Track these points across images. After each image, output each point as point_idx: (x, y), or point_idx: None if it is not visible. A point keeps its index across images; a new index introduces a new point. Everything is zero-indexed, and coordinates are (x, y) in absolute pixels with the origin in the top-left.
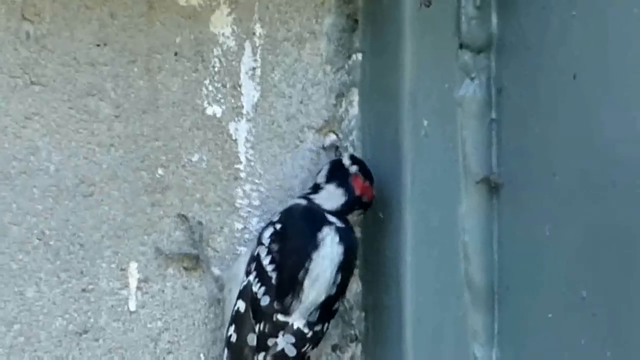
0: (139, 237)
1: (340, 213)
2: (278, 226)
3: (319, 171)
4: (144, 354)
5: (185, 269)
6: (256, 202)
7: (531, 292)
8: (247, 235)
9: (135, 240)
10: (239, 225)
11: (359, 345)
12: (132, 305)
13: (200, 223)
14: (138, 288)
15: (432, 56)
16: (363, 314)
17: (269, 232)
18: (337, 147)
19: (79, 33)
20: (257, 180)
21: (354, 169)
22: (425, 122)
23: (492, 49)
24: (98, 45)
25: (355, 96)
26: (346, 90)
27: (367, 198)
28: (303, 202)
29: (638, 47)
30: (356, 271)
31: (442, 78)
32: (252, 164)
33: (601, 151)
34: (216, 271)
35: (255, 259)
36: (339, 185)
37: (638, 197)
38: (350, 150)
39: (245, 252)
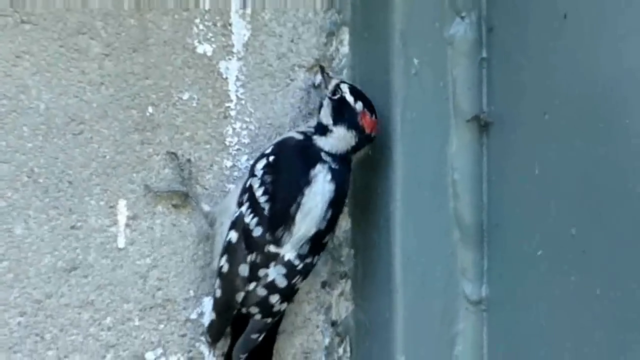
0: (128, 174)
1: (345, 154)
2: (271, 158)
3: (319, 108)
4: (133, 290)
5: (174, 206)
6: (246, 140)
7: (520, 229)
8: (236, 173)
9: (124, 177)
10: (228, 163)
11: (349, 282)
12: (121, 243)
13: (189, 161)
14: (127, 225)
15: None
16: (352, 251)
17: (262, 163)
18: (322, 69)
19: None
20: (247, 119)
21: (359, 106)
22: (416, 61)
23: None
24: None
25: (345, 35)
26: (337, 29)
27: (375, 133)
28: (299, 136)
29: None
30: (346, 208)
31: (433, 17)
32: (243, 102)
33: (591, 90)
34: (206, 207)
35: (247, 190)
36: (350, 127)
37: (628, 135)
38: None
39: (236, 186)
